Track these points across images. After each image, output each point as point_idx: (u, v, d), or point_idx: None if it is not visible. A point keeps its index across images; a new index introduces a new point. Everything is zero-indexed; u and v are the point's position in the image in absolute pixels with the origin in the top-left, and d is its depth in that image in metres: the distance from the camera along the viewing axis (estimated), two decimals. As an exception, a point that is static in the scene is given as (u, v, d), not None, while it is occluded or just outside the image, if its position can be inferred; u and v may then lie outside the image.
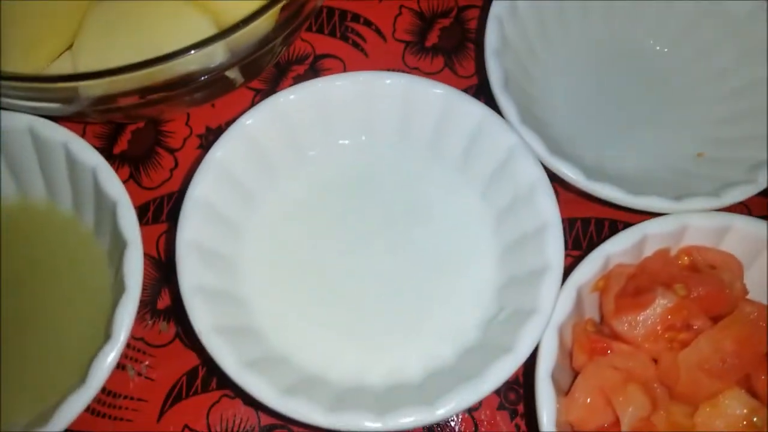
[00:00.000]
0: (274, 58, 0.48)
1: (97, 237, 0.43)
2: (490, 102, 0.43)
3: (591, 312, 0.41)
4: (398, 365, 0.40)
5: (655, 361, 0.38)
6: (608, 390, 0.37)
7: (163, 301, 0.45)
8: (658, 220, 0.40)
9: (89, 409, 0.36)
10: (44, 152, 0.42)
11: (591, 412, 0.37)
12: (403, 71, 0.51)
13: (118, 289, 0.38)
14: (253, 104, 0.44)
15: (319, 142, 0.45)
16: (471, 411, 0.43)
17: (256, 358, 0.37)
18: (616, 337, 0.38)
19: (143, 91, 0.39)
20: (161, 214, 0.47)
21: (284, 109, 0.42)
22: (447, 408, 0.35)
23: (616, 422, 0.36)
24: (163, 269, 0.46)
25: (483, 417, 0.43)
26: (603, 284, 0.40)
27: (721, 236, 0.41)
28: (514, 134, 0.42)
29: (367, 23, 0.53)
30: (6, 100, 0.39)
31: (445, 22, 0.53)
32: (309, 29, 0.52)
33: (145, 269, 0.38)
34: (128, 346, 0.37)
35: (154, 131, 0.50)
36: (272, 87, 0.51)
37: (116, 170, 0.41)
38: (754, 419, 0.35)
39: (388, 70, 0.46)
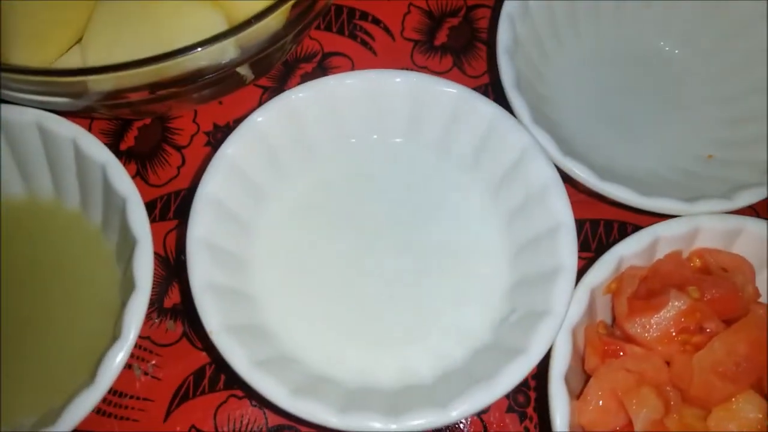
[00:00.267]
0: (284, 55, 0.48)
1: (105, 234, 0.42)
2: (499, 102, 0.43)
3: (603, 314, 0.41)
4: (408, 366, 0.40)
5: (668, 363, 0.38)
6: (621, 392, 0.36)
7: (170, 300, 0.45)
8: (670, 223, 0.40)
9: (95, 409, 0.36)
10: (52, 147, 0.42)
11: (604, 414, 0.37)
12: (412, 70, 0.50)
13: (127, 287, 0.38)
14: (261, 102, 0.43)
15: (328, 140, 0.44)
16: (480, 413, 0.43)
17: (266, 357, 0.37)
18: (628, 339, 0.38)
19: (153, 87, 0.39)
20: (168, 211, 0.47)
21: (294, 107, 0.42)
22: (460, 410, 0.35)
23: (629, 425, 0.36)
24: (170, 267, 0.45)
25: (492, 419, 0.43)
26: (615, 286, 0.40)
27: (732, 239, 0.41)
28: (527, 134, 0.41)
29: (376, 21, 0.52)
30: (14, 94, 0.39)
31: (454, 21, 0.53)
32: (317, 27, 0.52)
33: (152, 267, 0.38)
34: (135, 345, 0.36)
35: (161, 128, 0.49)
36: (280, 85, 0.50)
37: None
38: (768, 423, 0.35)
39: (397, 68, 0.46)
